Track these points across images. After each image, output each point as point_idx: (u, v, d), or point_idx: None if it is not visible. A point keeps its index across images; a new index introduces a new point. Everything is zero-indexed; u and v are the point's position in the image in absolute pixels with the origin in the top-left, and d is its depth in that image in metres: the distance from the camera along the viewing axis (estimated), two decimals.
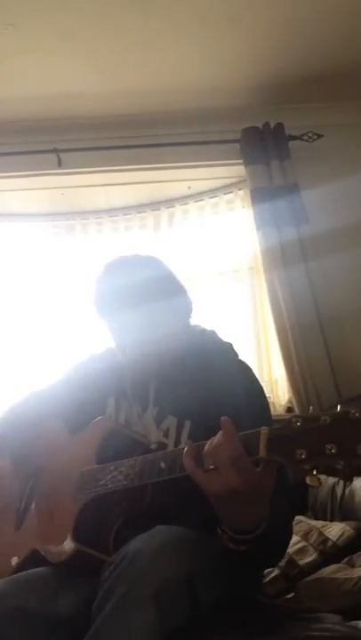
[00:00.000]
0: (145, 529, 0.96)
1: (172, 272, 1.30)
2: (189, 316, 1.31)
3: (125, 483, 1.04)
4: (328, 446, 0.77)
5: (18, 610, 0.96)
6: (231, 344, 1.33)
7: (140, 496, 1.07)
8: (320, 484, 0.82)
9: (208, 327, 1.36)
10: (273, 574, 1.56)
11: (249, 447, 0.86)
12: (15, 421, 1.32)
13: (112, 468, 1.08)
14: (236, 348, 1.32)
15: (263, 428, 0.86)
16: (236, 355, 1.31)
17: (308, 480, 0.81)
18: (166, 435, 1.18)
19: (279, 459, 0.83)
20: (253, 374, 1.28)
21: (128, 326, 1.23)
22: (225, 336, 1.35)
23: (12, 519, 1.24)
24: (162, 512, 1.05)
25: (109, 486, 1.05)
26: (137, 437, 1.15)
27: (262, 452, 0.84)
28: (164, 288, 1.25)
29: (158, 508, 1.06)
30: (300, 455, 0.79)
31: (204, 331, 1.35)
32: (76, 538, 1.05)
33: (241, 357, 1.31)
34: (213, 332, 1.35)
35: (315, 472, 0.80)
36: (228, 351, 1.31)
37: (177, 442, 1.15)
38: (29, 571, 1.08)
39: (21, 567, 1.13)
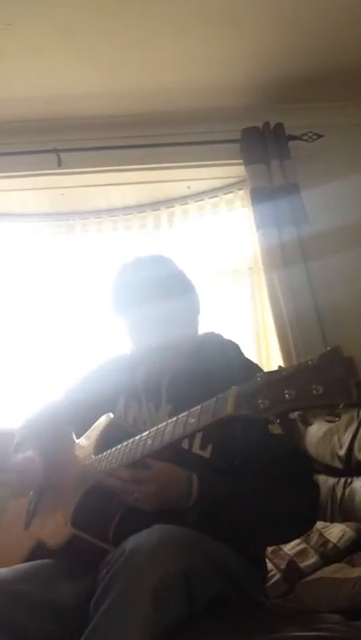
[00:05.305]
0: (148, 518, 0.98)
1: (184, 271, 1.36)
2: (198, 314, 1.37)
3: (115, 464, 1.07)
4: (286, 392, 0.80)
5: (18, 594, 0.98)
6: (235, 344, 1.38)
7: None
8: (281, 431, 0.85)
9: (215, 331, 1.42)
10: (275, 579, 1.56)
11: (218, 408, 0.91)
12: (36, 431, 1.39)
13: (106, 454, 1.12)
14: (239, 347, 1.37)
15: (233, 387, 0.90)
16: (236, 351, 1.35)
17: (270, 428, 0.84)
18: None
19: (245, 412, 0.86)
20: (252, 364, 1.33)
21: (146, 320, 1.28)
22: (227, 335, 1.40)
23: (22, 520, 1.28)
24: None
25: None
26: (131, 430, 1.17)
27: (230, 409, 0.88)
28: (180, 285, 1.32)
29: None
30: (263, 404, 0.82)
31: (210, 333, 1.41)
32: (73, 523, 1.08)
33: (245, 355, 1.35)
34: (218, 334, 1.41)
35: (278, 421, 0.83)
36: (228, 349, 1.35)
37: None
38: (31, 562, 1.10)
39: (26, 561, 1.16)
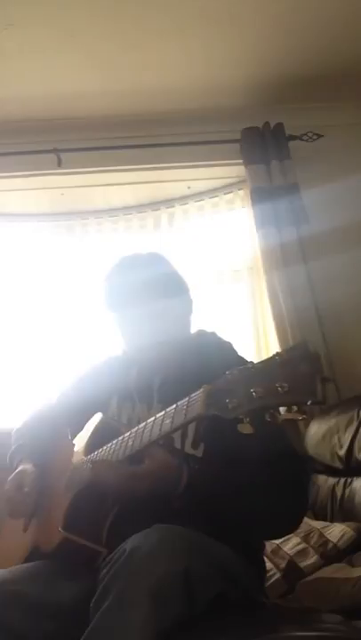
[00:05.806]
0: (143, 518, 0.97)
1: (178, 270, 1.35)
2: (191, 313, 1.36)
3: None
4: (253, 390, 0.77)
5: (16, 594, 0.98)
6: (230, 343, 1.36)
7: None
8: (252, 431, 0.81)
9: (208, 329, 1.40)
10: (275, 579, 1.56)
11: (190, 408, 0.90)
12: (34, 432, 1.40)
13: (94, 455, 1.12)
14: (235, 346, 1.35)
15: (204, 386, 0.89)
16: (234, 352, 1.33)
17: (239, 428, 0.81)
18: None
19: (214, 412, 0.84)
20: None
21: (138, 318, 1.26)
22: (225, 336, 1.38)
23: (22, 523, 1.28)
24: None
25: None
26: (124, 429, 1.16)
27: (200, 409, 0.87)
28: (173, 284, 1.31)
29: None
30: (231, 403, 0.81)
31: (204, 331, 1.38)
32: (64, 526, 1.07)
33: (241, 354, 1.33)
34: (213, 333, 1.38)
35: (247, 420, 0.81)
36: (225, 349, 1.33)
37: (183, 432, 1.19)
38: (30, 562, 1.10)
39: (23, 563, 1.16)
